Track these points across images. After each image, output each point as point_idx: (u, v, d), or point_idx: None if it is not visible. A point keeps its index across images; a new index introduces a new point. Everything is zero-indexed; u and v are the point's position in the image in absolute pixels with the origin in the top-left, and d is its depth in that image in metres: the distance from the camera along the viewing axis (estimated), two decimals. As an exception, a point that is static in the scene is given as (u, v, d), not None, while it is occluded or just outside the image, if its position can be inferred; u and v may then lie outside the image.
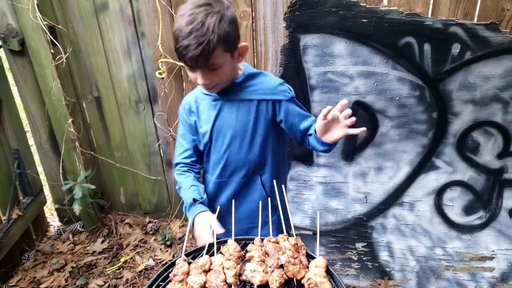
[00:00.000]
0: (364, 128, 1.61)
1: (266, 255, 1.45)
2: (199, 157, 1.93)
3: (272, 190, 1.79)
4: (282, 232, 1.54)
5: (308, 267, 1.42)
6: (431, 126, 2.39)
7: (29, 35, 2.67)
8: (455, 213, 2.54)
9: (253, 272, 1.38)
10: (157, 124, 3.02)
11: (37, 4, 2.53)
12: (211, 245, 1.53)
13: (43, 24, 2.58)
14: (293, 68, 2.41)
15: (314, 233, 2.73)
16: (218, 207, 1.73)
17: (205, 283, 1.37)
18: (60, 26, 2.72)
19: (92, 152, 3.16)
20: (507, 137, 2.34)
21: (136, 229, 3.33)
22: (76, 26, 2.81)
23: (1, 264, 2.85)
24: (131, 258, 3.08)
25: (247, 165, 1.84)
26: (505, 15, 2.13)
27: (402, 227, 2.64)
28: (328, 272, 1.41)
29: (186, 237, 1.62)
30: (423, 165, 2.49)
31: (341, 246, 2.76)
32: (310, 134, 1.76)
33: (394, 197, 2.59)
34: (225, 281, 1.37)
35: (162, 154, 3.16)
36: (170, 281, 1.39)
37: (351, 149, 2.53)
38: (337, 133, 1.62)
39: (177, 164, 1.93)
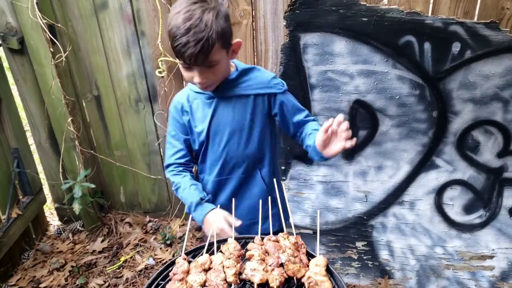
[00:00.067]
0: (355, 139, 1.64)
1: (266, 254, 1.45)
2: (192, 157, 1.92)
3: (272, 183, 1.82)
4: (282, 226, 1.55)
5: (308, 266, 1.41)
6: (431, 125, 2.39)
7: (28, 34, 2.67)
8: (455, 212, 2.54)
9: (253, 271, 1.37)
10: (157, 123, 3.02)
11: (36, 3, 2.52)
12: (211, 244, 1.53)
13: (43, 23, 2.57)
14: (293, 67, 2.41)
15: (314, 232, 2.73)
16: (218, 206, 1.74)
17: (205, 282, 1.37)
18: (59, 25, 2.72)
19: (92, 151, 3.16)
20: (507, 136, 2.34)
21: (136, 228, 3.32)
22: (76, 25, 2.81)
23: (1, 263, 2.85)
24: (131, 257, 3.08)
25: (246, 160, 1.84)
26: (505, 14, 2.13)
27: (402, 226, 2.63)
28: (328, 270, 1.40)
29: (186, 236, 1.62)
30: (423, 164, 2.49)
31: (341, 245, 2.76)
32: (306, 133, 1.80)
33: (394, 196, 2.58)
34: (225, 280, 1.36)
35: (162, 153, 3.15)
36: (170, 280, 1.39)
37: (351, 148, 2.52)
38: (335, 147, 1.64)
39: (170, 165, 1.89)
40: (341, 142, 1.61)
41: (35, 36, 2.66)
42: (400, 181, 2.55)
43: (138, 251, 3.13)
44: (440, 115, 2.36)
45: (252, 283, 1.36)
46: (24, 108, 3.06)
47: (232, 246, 1.48)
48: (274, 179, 1.78)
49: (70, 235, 3.30)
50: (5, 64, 2.92)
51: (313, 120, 1.87)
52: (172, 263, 1.46)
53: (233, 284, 1.36)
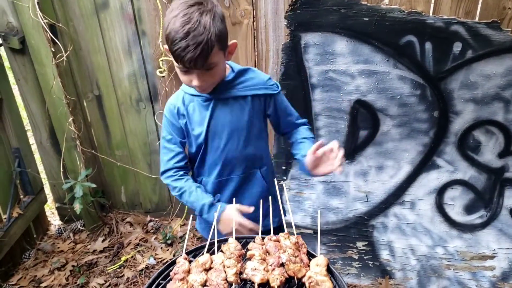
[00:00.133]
0: (342, 166, 1.68)
1: (267, 254, 1.45)
2: (189, 160, 1.90)
3: (272, 181, 1.86)
4: (282, 222, 1.55)
5: (309, 266, 1.41)
6: (432, 125, 2.38)
7: (29, 34, 2.67)
8: (456, 212, 2.54)
9: (254, 271, 1.37)
10: (157, 123, 3.02)
11: (37, 2, 2.53)
12: (211, 244, 1.53)
13: (44, 22, 2.57)
14: (294, 67, 2.41)
15: (315, 232, 2.73)
16: (219, 206, 1.73)
17: (205, 281, 1.37)
18: (60, 25, 2.72)
19: (93, 151, 3.16)
20: (508, 136, 2.34)
21: (137, 228, 3.33)
22: (77, 24, 2.81)
23: (2, 262, 2.85)
24: (132, 257, 3.08)
25: (246, 160, 1.84)
26: (506, 14, 2.13)
27: (403, 226, 2.63)
28: (329, 270, 1.40)
29: (187, 235, 1.62)
30: (424, 164, 2.49)
31: (342, 245, 2.76)
32: (296, 140, 1.88)
33: (395, 196, 2.58)
34: (226, 279, 1.36)
35: (162, 153, 3.15)
36: (171, 279, 1.39)
37: (352, 148, 2.52)
38: (324, 169, 1.68)
39: (168, 170, 1.83)
40: (331, 167, 1.66)
41: (36, 36, 2.66)
42: (401, 181, 2.55)
43: (139, 250, 3.13)
44: (441, 115, 2.36)
45: (253, 282, 1.36)
46: (25, 107, 3.06)
47: (232, 245, 1.48)
48: (275, 181, 1.79)
49: (71, 234, 3.30)
50: (6, 64, 2.93)
51: (303, 124, 1.94)
52: (173, 262, 1.46)
53: (234, 284, 1.36)
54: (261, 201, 1.79)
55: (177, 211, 3.33)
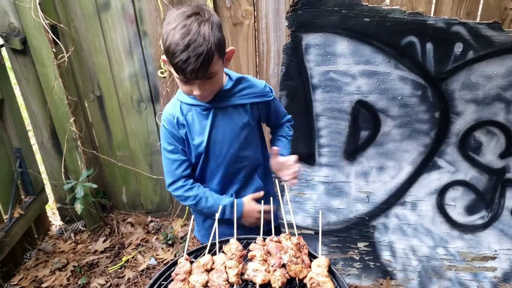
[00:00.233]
0: (295, 181, 1.87)
1: (268, 255, 1.45)
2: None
3: (266, 179, 1.95)
4: (279, 221, 1.57)
5: (310, 267, 1.42)
6: (434, 126, 2.38)
7: (31, 34, 2.67)
8: (457, 213, 2.54)
9: (255, 272, 1.38)
10: (159, 123, 3.01)
11: (39, 3, 2.53)
12: (213, 244, 1.53)
13: (45, 23, 2.58)
14: (295, 67, 2.41)
15: (316, 233, 2.73)
16: (221, 206, 1.74)
17: (207, 282, 1.37)
18: (62, 25, 2.72)
19: (94, 151, 3.16)
20: (509, 137, 2.34)
21: (138, 228, 3.33)
22: (78, 25, 2.81)
23: (3, 263, 2.85)
24: (133, 257, 3.08)
25: (246, 164, 1.85)
26: (508, 14, 2.13)
27: (404, 227, 2.63)
28: (330, 271, 1.41)
29: (188, 236, 1.62)
30: (425, 165, 2.49)
31: (343, 246, 2.76)
32: (276, 135, 2.01)
33: (396, 197, 2.58)
34: (227, 280, 1.37)
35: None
36: (172, 280, 1.39)
37: (353, 148, 2.52)
38: (283, 176, 1.85)
39: (176, 180, 1.81)
40: (286, 177, 1.83)
41: (37, 37, 2.66)
42: (402, 182, 2.54)
43: (140, 251, 3.13)
44: (442, 116, 2.36)
45: (254, 283, 1.36)
46: (26, 108, 3.06)
47: (234, 246, 1.48)
48: (276, 179, 1.81)
49: (72, 235, 3.30)
50: (8, 64, 2.93)
51: (288, 121, 2.02)
52: (174, 263, 1.46)
53: (235, 285, 1.36)
54: (262, 201, 1.81)
55: (178, 212, 3.33)
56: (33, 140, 3.28)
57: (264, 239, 1.52)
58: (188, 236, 1.62)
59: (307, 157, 2.59)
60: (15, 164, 2.98)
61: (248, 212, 1.81)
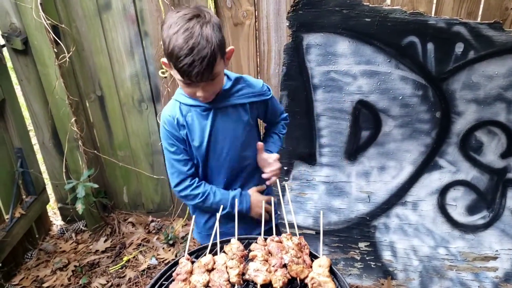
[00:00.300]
0: (274, 179, 1.88)
1: (269, 255, 1.45)
2: None
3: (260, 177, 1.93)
4: (279, 220, 1.58)
5: (311, 267, 1.42)
6: (435, 126, 2.38)
7: (32, 34, 2.68)
8: (458, 213, 2.54)
9: (256, 272, 1.38)
10: (159, 123, 3.02)
11: (40, 3, 2.53)
12: (214, 244, 1.53)
13: (47, 23, 2.58)
14: (296, 67, 2.41)
15: (317, 233, 2.73)
16: (222, 206, 1.74)
17: (208, 282, 1.37)
18: (63, 25, 2.73)
19: (95, 151, 3.17)
20: (510, 137, 2.34)
21: (139, 228, 3.33)
22: (80, 25, 2.81)
23: (4, 263, 2.85)
24: (134, 257, 3.08)
25: (247, 164, 1.86)
26: (509, 14, 2.13)
27: (405, 227, 2.63)
28: (332, 271, 1.41)
29: (189, 236, 1.62)
30: (426, 165, 2.48)
31: (344, 246, 2.76)
32: (269, 131, 2.02)
33: (397, 197, 2.58)
34: (228, 280, 1.37)
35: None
36: (173, 280, 1.40)
37: (354, 148, 2.52)
38: (265, 173, 1.86)
39: (182, 180, 1.79)
40: (265, 174, 1.85)
41: (39, 37, 2.67)
42: (403, 182, 2.54)
43: (141, 251, 3.13)
44: (443, 116, 2.36)
45: (255, 283, 1.37)
46: (27, 108, 3.06)
47: (235, 246, 1.48)
48: (277, 179, 1.82)
49: (73, 235, 3.31)
50: (9, 64, 2.93)
51: (284, 119, 2.03)
52: (175, 263, 1.47)
53: (236, 285, 1.36)
54: (263, 201, 1.81)
55: (179, 212, 3.33)
56: (34, 140, 3.28)
57: (265, 239, 1.52)
58: (189, 236, 1.62)
59: (308, 157, 2.60)
60: (16, 164, 2.98)
61: (256, 203, 1.84)
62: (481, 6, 2.17)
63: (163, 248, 3.14)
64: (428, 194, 2.54)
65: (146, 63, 2.86)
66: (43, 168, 3.33)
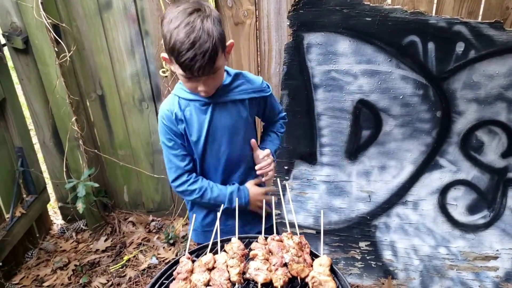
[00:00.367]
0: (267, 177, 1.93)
1: (270, 254, 1.45)
2: None
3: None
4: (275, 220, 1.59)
5: (312, 266, 1.42)
6: (435, 125, 2.38)
7: (33, 34, 2.68)
8: (459, 212, 2.54)
9: (257, 271, 1.38)
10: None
11: (41, 3, 2.53)
12: (214, 243, 1.53)
13: (47, 23, 2.58)
14: (296, 67, 2.41)
15: (318, 232, 2.73)
16: (222, 205, 1.74)
17: (209, 281, 1.37)
18: (64, 25, 2.72)
19: (96, 151, 3.17)
20: (511, 136, 2.34)
21: (139, 227, 3.33)
22: (80, 25, 2.81)
23: (5, 262, 2.86)
24: (134, 256, 3.08)
25: (245, 161, 1.86)
26: (509, 14, 2.13)
27: (405, 226, 2.63)
28: (332, 270, 1.41)
29: (189, 235, 1.62)
30: (427, 164, 2.48)
31: (344, 245, 2.76)
32: (267, 130, 2.03)
33: (398, 196, 2.58)
34: (229, 279, 1.37)
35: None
36: (174, 279, 1.40)
37: (355, 148, 2.52)
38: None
39: (180, 176, 1.79)
40: (258, 171, 1.86)
41: (39, 36, 2.67)
42: (404, 181, 2.54)
43: (141, 250, 3.13)
44: (444, 115, 2.36)
45: (256, 282, 1.37)
46: (28, 107, 3.07)
47: (235, 245, 1.48)
48: (278, 179, 1.81)
49: (74, 234, 3.31)
50: (10, 64, 2.93)
51: (282, 118, 2.04)
52: (176, 262, 1.47)
53: (237, 284, 1.36)
54: (264, 200, 1.81)
55: (180, 211, 3.33)
56: (34, 139, 3.28)
57: (266, 238, 1.52)
58: (189, 235, 1.62)
59: (309, 156, 2.59)
60: (16, 163, 2.98)
61: (254, 196, 1.84)
62: (482, 5, 2.17)
63: (164, 247, 3.14)
64: (429, 193, 2.53)
65: (146, 62, 2.86)
66: (43, 167, 3.33)
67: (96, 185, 3.04)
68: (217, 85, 1.66)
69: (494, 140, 2.36)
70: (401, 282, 2.75)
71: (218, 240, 1.53)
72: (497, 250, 2.55)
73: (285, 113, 2.05)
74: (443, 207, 2.54)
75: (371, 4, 2.20)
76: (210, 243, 1.53)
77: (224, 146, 1.77)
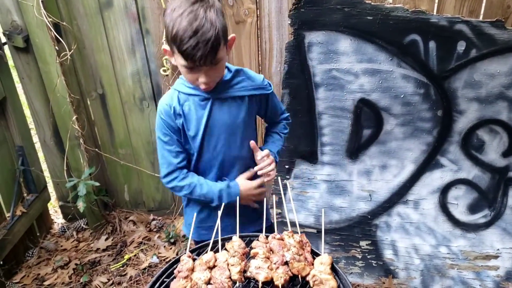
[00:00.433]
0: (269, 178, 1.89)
1: (271, 252, 1.45)
2: None
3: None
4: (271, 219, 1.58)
5: (313, 264, 1.41)
6: (436, 124, 2.38)
7: (33, 32, 2.68)
8: (459, 212, 2.54)
9: (258, 269, 1.38)
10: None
11: (42, 1, 2.53)
12: (215, 242, 1.53)
13: (48, 21, 2.58)
14: (297, 66, 2.40)
15: (318, 231, 2.72)
16: (223, 205, 1.73)
17: (209, 279, 1.37)
18: (64, 23, 2.73)
19: (96, 149, 3.17)
20: (512, 136, 2.34)
21: (140, 226, 3.33)
22: (81, 23, 2.81)
23: (5, 260, 2.86)
24: (135, 255, 3.08)
25: (242, 159, 1.85)
26: (511, 13, 2.13)
27: (406, 226, 2.63)
28: (333, 269, 1.41)
29: (190, 234, 1.62)
30: (428, 163, 2.48)
31: (345, 244, 2.76)
32: (269, 131, 2.01)
33: (399, 195, 2.58)
34: (230, 277, 1.37)
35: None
36: (175, 277, 1.40)
37: (356, 147, 2.52)
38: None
39: (171, 172, 1.78)
40: (258, 172, 1.84)
41: (40, 35, 2.67)
42: (405, 180, 2.54)
43: (142, 249, 3.13)
44: (445, 114, 2.35)
45: (257, 281, 1.37)
46: (29, 106, 3.07)
47: (236, 244, 1.48)
48: (279, 178, 1.81)
49: (74, 233, 3.31)
50: (10, 62, 2.93)
51: (285, 119, 2.03)
52: (177, 261, 1.47)
53: (237, 282, 1.36)
54: (265, 200, 1.81)
55: (180, 210, 3.33)
56: (35, 138, 3.28)
57: (267, 236, 1.52)
58: (190, 234, 1.62)
59: (310, 156, 2.59)
60: (17, 162, 2.98)
61: (245, 191, 1.81)
62: (483, 4, 2.17)
63: (164, 246, 3.14)
64: (430, 192, 2.53)
65: (147, 61, 2.86)
66: (44, 166, 3.33)
67: (97, 184, 3.03)
68: (218, 78, 1.66)
69: (495, 139, 2.36)
70: (402, 281, 2.75)
71: (219, 238, 1.53)
72: (498, 249, 2.55)
73: (288, 114, 2.04)
74: (444, 206, 2.54)
75: (372, 3, 2.19)
76: (211, 241, 1.53)
77: (222, 142, 1.76)
